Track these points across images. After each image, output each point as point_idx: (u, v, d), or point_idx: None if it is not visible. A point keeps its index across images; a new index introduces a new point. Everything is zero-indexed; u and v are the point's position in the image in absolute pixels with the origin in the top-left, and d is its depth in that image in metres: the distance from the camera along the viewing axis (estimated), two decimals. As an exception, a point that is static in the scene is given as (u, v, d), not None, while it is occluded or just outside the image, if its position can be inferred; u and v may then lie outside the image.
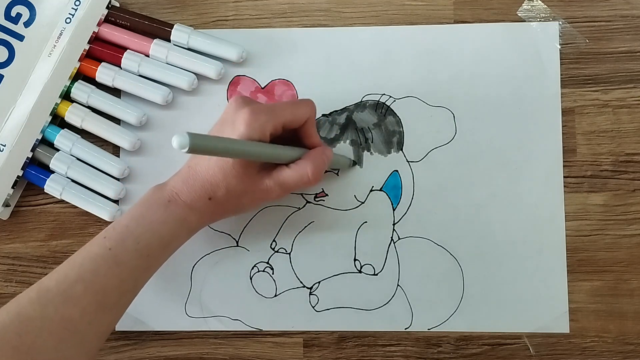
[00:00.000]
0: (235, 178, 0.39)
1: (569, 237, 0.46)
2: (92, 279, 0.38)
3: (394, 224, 0.47)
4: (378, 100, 0.47)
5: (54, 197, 0.47)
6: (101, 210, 0.47)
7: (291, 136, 0.42)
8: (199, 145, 0.31)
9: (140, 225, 0.40)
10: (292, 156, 0.41)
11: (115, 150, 0.48)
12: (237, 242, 0.48)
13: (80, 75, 0.48)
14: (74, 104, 0.47)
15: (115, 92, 0.48)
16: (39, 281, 0.38)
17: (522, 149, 0.47)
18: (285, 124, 0.40)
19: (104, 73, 0.47)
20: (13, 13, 0.47)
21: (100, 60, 0.47)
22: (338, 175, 0.47)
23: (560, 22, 0.47)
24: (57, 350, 0.36)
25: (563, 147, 0.46)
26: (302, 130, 0.42)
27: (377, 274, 0.47)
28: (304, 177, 0.40)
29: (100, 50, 0.47)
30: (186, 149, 0.30)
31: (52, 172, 0.47)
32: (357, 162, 0.47)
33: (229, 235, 0.48)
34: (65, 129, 0.47)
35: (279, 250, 0.47)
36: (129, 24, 0.48)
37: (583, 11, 0.47)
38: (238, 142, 0.38)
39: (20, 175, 0.47)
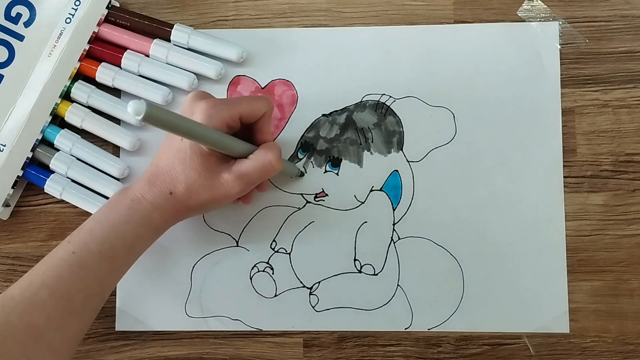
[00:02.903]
0: (193, 170, 0.40)
1: (569, 237, 0.46)
2: (56, 284, 0.37)
3: (394, 224, 0.47)
4: (378, 100, 0.47)
5: (54, 197, 0.47)
6: (101, 210, 0.47)
7: (247, 134, 0.42)
8: (154, 114, 0.31)
9: (103, 227, 0.39)
10: (246, 149, 0.41)
11: (115, 150, 0.48)
12: (237, 242, 0.48)
13: (80, 75, 0.48)
14: (74, 104, 0.47)
15: (115, 92, 0.48)
16: (4, 291, 0.38)
17: (522, 149, 0.47)
18: (242, 115, 0.40)
19: (104, 73, 0.47)
20: (13, 13, 0.47)
21: (100, 60, 0.47)
22: (338, 175, 0.47)
23: (560, 22, 0.47)
24: (23, 357, 0.36)
25: (563, 147, 0.46)
26: (257, 125, 0.42)
27: (377, 274, 0.47)
28: (265, 163, 0.40)
29: (100, 50, 0.47)
30: (141, 116, 0.30)
31: (52, 172, 0.47)
32: (304, 172, 0.47)
33: (229, 235, 0.48)
34: (65, 129, 0.47)
35: (279, 250, 0.47)
36: (129, 24, 0.48)
37: (583, 11, 0.47)
38: (194, 123, 0.37)
39: (20, 175, 0.47)
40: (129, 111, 0.30)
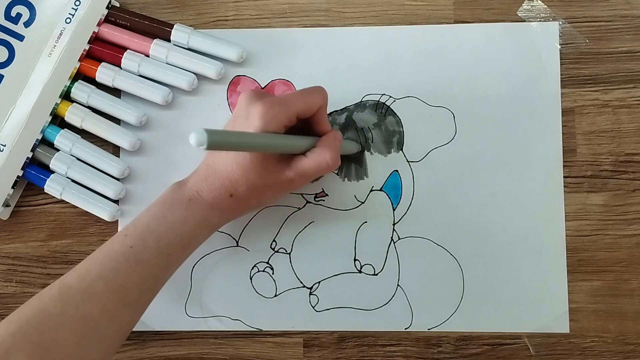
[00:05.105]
0: (254, 173, 0.39)
1: (569, 237, 0.46)
2: (112, 277, 0.38)
3: (394, 224, 0.47)
4: (378, 100, 0.47)
5: (54, 197, 0.47)
6: (101, 210, 0.47)
7: (302, 124, 0.42)
8: (216, 141, 0.31)
9: (161, 224, 0.40)
10: (306, 145, 0.40)
11: (115, 150, 0.48)
12: (237, 242, 0.48)
13: (80, 75, 0.48)
14: (74, 104, 0.47)
15: (115, 92, 0.48)
16: (60, 278, 0.38)
17: (522, 148, 0.47)
18: (298, 114, 0.40)
19: (104, 73, 0.47)
20: (13, 13, 0.47)
21: (100, 60, 0.47)
22: (338, 175, 0.47)
23: (560, 22, 0.47)
24: (78, 347, 0.36)
25: (563, 147, 0.46)
26: (314, 118, 0.42)
27: (377, 274, 0.47)
28: (322, 164, 0.40)
29: (100, 50, 0.47)
30: (204, 146, 0.30)
31: (52, 172, 0.47)
32: (364, 146, 0.47)
33: (229, 235, 0.48)
34: (65, 129, 0.47)
35: (279, 250, 0.47)
36: (129, 24, 0.48)
37: (583, 11, 0.47)
38: (255, 135, 0.37)
39: (20, 175, 0.47)
40: (192, 143, 0.30)
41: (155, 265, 0.39)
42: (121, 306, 0.38)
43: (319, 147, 0.40)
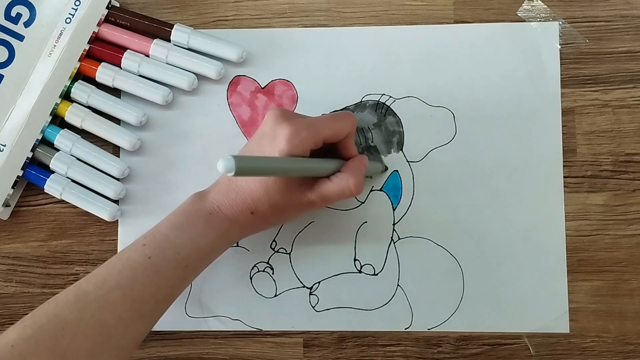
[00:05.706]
0: (277, 193, 0.39)
1: (569, 237, 0.46)
2: (130, 287, 0.38)
3: (394, 224, 0.47)
4: (378, 100, 0.47)
5: (54, 197, 0.47)
6: (101, 210, 0.47)
7: (327, 146, 0.41)
8: (244, 167, 0.31)
9: (180, 236, 0.39)
10: (331, 169, 0.40)
11: (115, 150, 0.48)
12: (237, 242, 0.48)
13: (80, 75, 0.48)
14: (74, 104, 0.47)
15: (115, 92, 0.48)
16: (76, 283, 0.38)
17: (522, 148, 0.47)
18: (326, 139, 0.40)
19: (104, 73, 0.47)
20: (13, 13, 0.47)
21: (100, 60, 0.47)
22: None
23: (560, 22, 0.47)
24: (92, 354, 0.36)
25: (563, 147, 0.46)
26: (341, 143, 0.41)
27: (377, 274, 0.47)
28: (345, 190, 0.39)
29: (100, 50, 0.47)
30: (232, 173, 0.30)
31: (52, 172, 0.47)
32: (387, 167, 0.47)
33: (229, 235, 0.48)
34: (65, 129, 0.47)
35: (279, 250, 0.47)
36: (129, 24, 0.48)
37: (583, 11, 0.47)
38: (281, 160, 0.37)
39: (20, 175, 0.47)
40: (220, 170, 0.30)
41: (173, 276, 0.39)
42: (137, 316, 0.38)
43: (344, 173, 0.40)
